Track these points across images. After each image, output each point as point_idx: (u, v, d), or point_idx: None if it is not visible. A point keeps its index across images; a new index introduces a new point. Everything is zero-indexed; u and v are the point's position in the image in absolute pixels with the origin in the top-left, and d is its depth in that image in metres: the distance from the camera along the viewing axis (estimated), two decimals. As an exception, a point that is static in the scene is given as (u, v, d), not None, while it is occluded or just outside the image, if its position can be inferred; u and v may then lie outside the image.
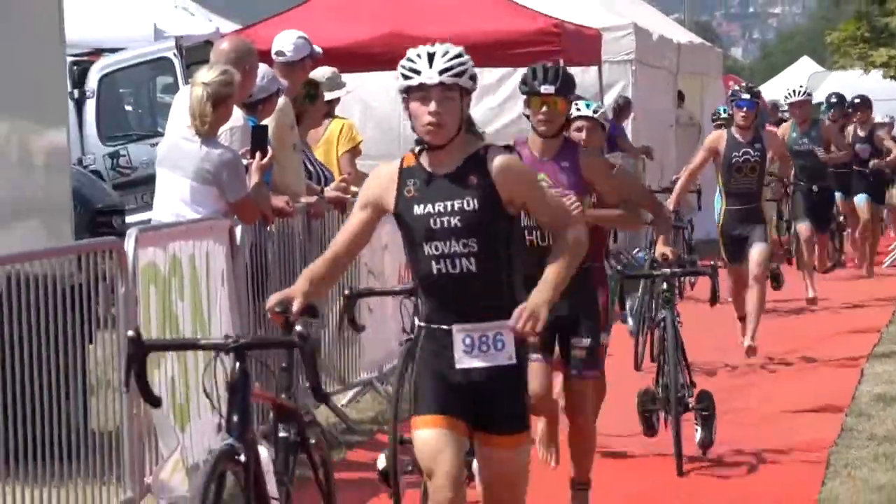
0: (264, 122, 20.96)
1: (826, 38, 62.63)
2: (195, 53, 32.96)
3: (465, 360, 10.96)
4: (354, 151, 29.72)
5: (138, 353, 11.43)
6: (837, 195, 38.89)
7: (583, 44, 37.98)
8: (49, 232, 21.59)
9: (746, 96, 22.39)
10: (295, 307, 11.06)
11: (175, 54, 39.33)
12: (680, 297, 24.58)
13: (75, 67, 34.80)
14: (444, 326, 11.08)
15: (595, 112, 15.16)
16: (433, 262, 10.13)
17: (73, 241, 22.71)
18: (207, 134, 19.61)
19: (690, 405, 16.90)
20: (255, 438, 11.77)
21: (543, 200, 11.33)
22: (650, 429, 17.38)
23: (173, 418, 17.92)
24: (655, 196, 16.43)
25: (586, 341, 12.42)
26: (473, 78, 11.48)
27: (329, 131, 28.40)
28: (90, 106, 38.32)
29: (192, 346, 14.32)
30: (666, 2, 67.91)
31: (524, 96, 12.09)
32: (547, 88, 10.79)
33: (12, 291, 14.65)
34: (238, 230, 18.60)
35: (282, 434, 12.40)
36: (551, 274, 11.00)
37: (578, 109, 14.33)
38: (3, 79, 21.49)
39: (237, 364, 11.33)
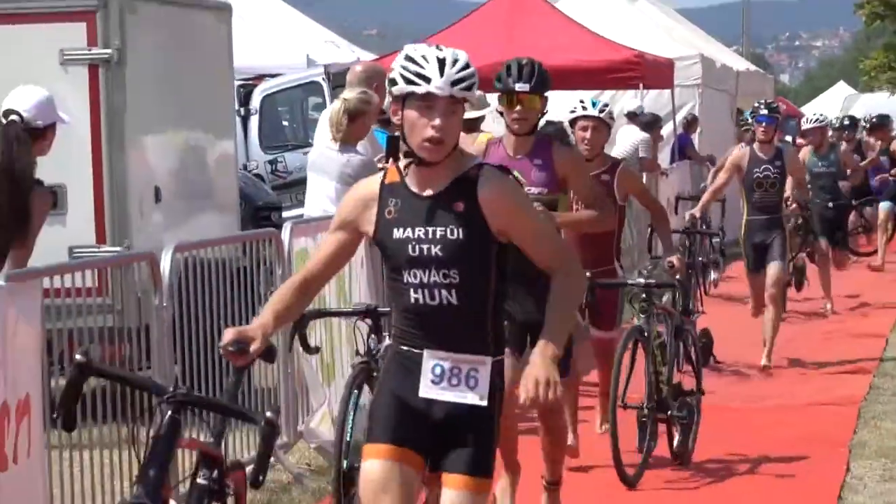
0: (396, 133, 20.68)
1: (859, 65, 62.14)
2: (339, 78, 32.90)
3: (430, 390, 9.21)
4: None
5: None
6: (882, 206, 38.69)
7: (658, 71, 37.98)
8: (220, 224, 21.64)
9: (765, 112, 21.76)
10: (253, 348, 9.38)
11: (323, 79, 39.17)
12: (705, 293, 24.30)
13: (242, 90, 34.87)
14: (415, 349, 9.32)
15: (601, 112, 14.74)
16: (411, 291, 8.61)
17: (239, 232, 22.70)
18: (343, 142, 19.58)
19: (671, 412, 15.50)
20: (169, 495, 10.37)
21: (539, 235, 9.48)
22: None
23: (321, 376, 17.93)
24: (653, 197, 15.77)
25: None
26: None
27: (478, 142, 28.31)
28: (254, 121, 38.46)
29: (130, 382, 11.86)
30: (727, 35, 67.82)
31: (497, 90, 11.17)
32: (522, 86, 10.04)
33: (189, 273, 14.69)
34: None
35: (200, 480, 10.56)
36: (553, 324, 9.27)
37: (585, 108, 14.28)
38: (184, 100, 21.59)
39: (169, 415, 10.09)
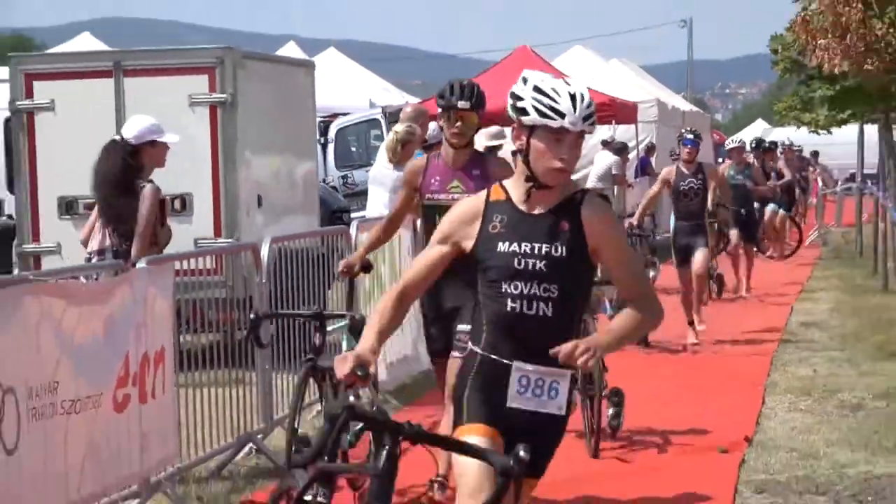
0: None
1: (773, 107, 62.22)
2: (393, 116, 32.76)
3: (516, 400, 8.07)
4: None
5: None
6: (768, 208, 38.77)
7: (625, 111, 37.74)
8: (304, 223, 21.63)
9: (690, 136, 21.55)
10: (371, 371, 8.13)
11: (381, 116, 38.58)
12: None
13: (322, 124, 34.80)
14: (504, 360, 8.08)
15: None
16: (509, 301, 7.44)
17: (319, 228, 22.46)
18: (396, 163, 18.84)
19: (604, 392, 14.59)
20: None
21: (626, 264, 8.45)
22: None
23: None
24: None
25: (467, 327, 9.57)
26: None
27: (419, 160, 28.35)
28: (330, 148, 38.43)
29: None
30: (676, 85, 67.86)
31: (439, 109, 10.02)
32: (463, 104, 9.37)
33: (282, 259, 14.67)
34: (418, 222, 17.89)
35: (319, 498, 9.45)
36: (621, 328, 8.26)
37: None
38: (279, 132, 21.60)
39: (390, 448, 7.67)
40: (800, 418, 16.03)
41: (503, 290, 7.83)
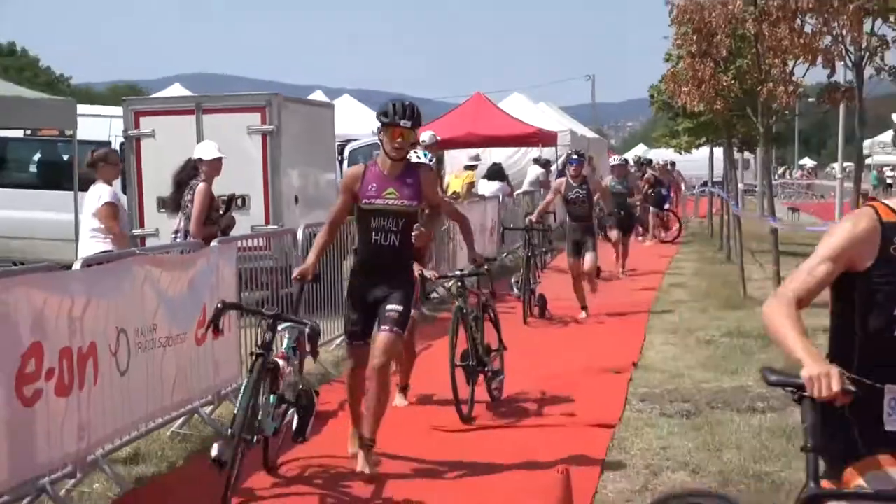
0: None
1: (651, 135, 62.31)
2: None
3: (890, 423, 6.02)
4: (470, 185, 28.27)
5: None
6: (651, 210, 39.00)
7: (549, 137, 37.37)
8: (327, 215, 21.62)
9: (576, 157, 20.49)
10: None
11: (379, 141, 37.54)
12: (542, 270, 23.42)
13: (339, 146, 34.45)
14: (878, 384, 6.03)
15: (430, 160, 12.55)
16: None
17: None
18: None
19: (487, 367, 12.84)
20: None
21: None
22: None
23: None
24: (460, 211, 12.71)
25: (399, 307, 9.33)
26: None
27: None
28: (345, 163, 38.03)
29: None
30: (584, 119, 68.06)
31: (382, 125, 9.20)
32: (405, 122, 8.67)
33: (311, 239, 14.48)
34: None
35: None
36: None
37: (419, 158, 11.69)
38: (309, 152, 21.50)
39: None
40: (670, 350, 16.12)
41: (893, 315, 5.72)
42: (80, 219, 19.69)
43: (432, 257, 14.26)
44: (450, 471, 10.01)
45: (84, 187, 18.16)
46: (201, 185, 13.59)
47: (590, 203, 19.44)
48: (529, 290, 19.89)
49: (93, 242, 12.83)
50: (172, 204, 13.91)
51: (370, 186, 8.66)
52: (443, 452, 10.57)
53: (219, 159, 14.00)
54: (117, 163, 13.59)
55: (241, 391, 9.07)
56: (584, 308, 18.96)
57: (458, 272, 13.78)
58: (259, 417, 9.16)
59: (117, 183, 13.81)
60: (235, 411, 8.90)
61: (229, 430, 8.89)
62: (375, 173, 8.69)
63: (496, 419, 12.18)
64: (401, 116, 8.36)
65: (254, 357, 9.23)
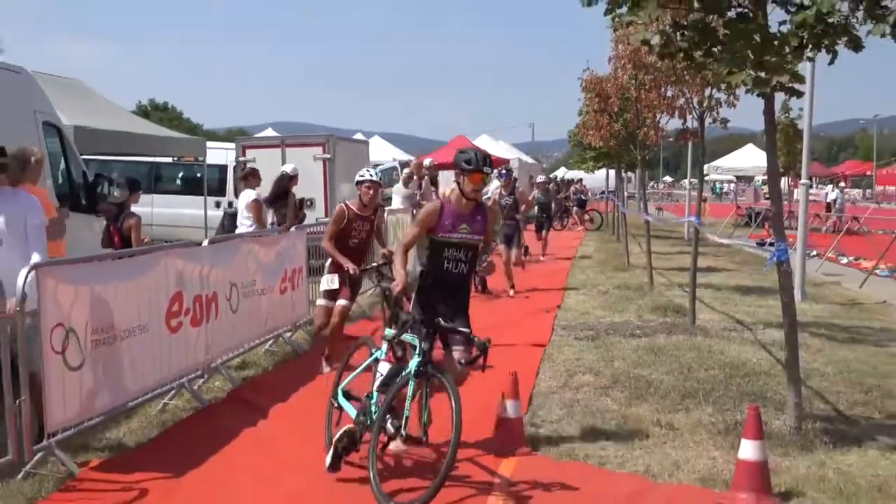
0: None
1: (570, 161, 62.02)
2: (403, 165, 31.77)
3: None
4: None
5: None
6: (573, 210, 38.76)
7: (503, 163, 36.91)
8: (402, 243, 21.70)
9: (505, 171, 18.08)
10: None
11: (398, 165, 35.82)
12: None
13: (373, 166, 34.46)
14: None
15: (379, 178, 10.49)
16: None
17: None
18: (405, 184, 18.59)
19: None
20: None
21: None
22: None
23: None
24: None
25: (467, 330, 6.97)
26: None
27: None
28: None
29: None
30: (527, 152, 67.22)
31: (463, 171, 7.16)
32: (487, 169, 7.13)
33: None
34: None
35: None
36: None
37: (371, 175, 10.20)
38: (350, 172, 21.30)
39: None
40: (580, 297, 15.87)
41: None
42: (208, 214, 19.80)
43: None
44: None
45: (210, 194, 18.20)
46: (293, 198, 13.59)
47: (517, 209, 17.54)
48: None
49: (245, 226, 12.82)
50: (270, 202, 13.80)
51: (447, 222, 7.12)
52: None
53: (297, 175, 13.99)
54: (259, 177, 13.50)
55: (391, 390, 6.61)
56: (511, 287, 16.73)
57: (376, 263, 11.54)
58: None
59: (254, 191, 13.71)
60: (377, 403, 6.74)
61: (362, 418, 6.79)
62: (451, 211, 7.17)
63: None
64: (483, 164, 7.14)
65: (416, 368, 6.57)
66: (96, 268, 7.29)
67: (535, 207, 24.15)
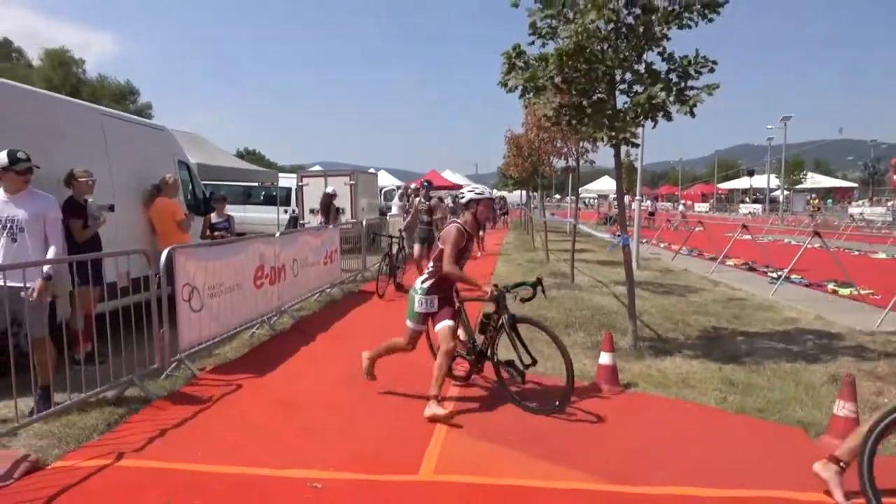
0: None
1: (498, 186, 61.90)
2: (400, 188, 31.65)
3: None
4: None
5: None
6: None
7: (459, 187, 36.66)
8: (374, 216, 21.29)
9: (426, 184, 12.99)
10: None
11: (398, 188, 33.01)
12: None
13: (381, 189, 33.56)
14: None
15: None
16: None
17: (377, 217, 21.70)
18: (401, 199, 18.06)
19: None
20: None
21: None
22: None
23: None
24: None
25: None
26: None
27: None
28: (381, 197, 36.78)
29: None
30: (474, 181, 60.62)
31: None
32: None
33: (365, 227, 14.13)
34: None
35: None
36: None
37: (489, 193, 5.98)
38: (368, 193, 21.03)
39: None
40: (505, 267, 15.49)
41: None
42: (280, 217, 19.46)
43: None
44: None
45: (281, 205, 17.86)
46: (334, 207, 13.40)
47: (430, 213, 12.25)
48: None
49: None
50: (321, 209, 13.49)
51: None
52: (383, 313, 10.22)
53: (335, 193, 13.80)
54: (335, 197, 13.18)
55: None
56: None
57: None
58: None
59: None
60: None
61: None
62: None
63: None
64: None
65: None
66: (210, 250, 7.13)
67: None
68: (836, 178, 79.67)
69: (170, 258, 6.12)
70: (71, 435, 4.72)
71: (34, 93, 6.73)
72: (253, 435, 4.84)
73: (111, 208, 7.34)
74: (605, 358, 6.18)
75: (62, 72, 47.58)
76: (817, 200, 60.31)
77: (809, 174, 72.67)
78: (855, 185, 76.96)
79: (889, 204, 48.61)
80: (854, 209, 47.33)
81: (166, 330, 6.04)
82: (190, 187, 9.77)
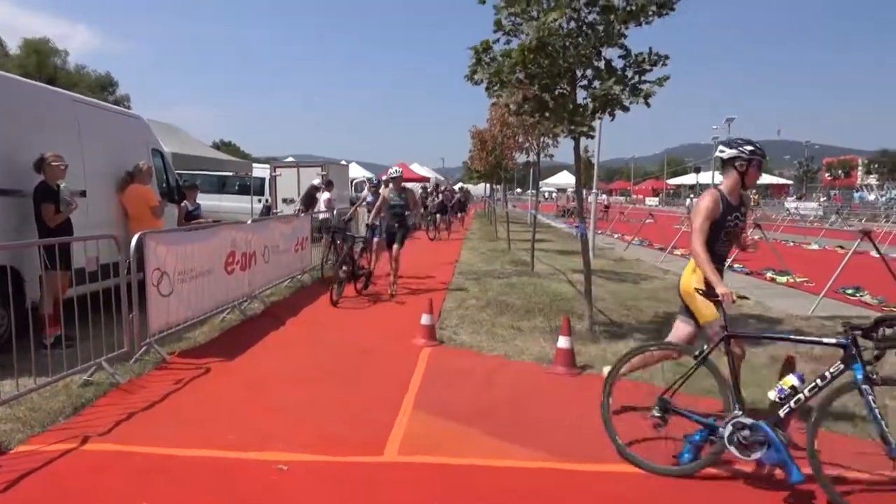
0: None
1: (464, 178, 61.17)
2: (371, 181, 30.43)
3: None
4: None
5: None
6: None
7: (426, 179, 36.51)
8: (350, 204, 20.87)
9: (395, 173, 10.62)
10: None
11: (366, 180, 33.62)
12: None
13: (351, 181, 33.09)
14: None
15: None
16: None
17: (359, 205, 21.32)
18: (377, 190, 14.44)
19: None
20: None
21: None
22: None
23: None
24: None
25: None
26: None
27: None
28: (352, 189, 36.34)
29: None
30: (442, 174, 63.00)
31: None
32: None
33: (336, 214, 13.83)
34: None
35: None
36: None
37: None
38: (339, 183, 20.60)
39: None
40: (469, 255, 15.49)
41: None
42: (253, 206, 19.01)
43: None
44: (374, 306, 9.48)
45: (254, 194, 17.40)
46: (325, 196, 13.14)
47: (404, 210, 10.53)
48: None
49: (323, 210, 12.07)
50: (303, 200, 13.16)
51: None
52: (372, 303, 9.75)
53: (320, 186, 13.60)
54: (333, 185, 12.77)
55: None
56: (393, 289, 9.68)
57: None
58: None
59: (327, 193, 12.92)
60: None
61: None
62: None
63: (402, 286, 10.73)
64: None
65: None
66: (181, 235, 6.87)
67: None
68: (774, 175, 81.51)
69: (140, 243, 5.85)
70: (36, 419, 4.47)
71: (4, 77, 6.33)
72: (220, 417, 4.67)
73: (83, 194, 7.04)
74: (563, 342, 6.13)
75: (36, 59, 45.62)
76: (756, 195, 61.72)
77: (749, 171, 73.88)
78: (790, 182, 78.87)
79: (821, 200, 50.79)
80: (789, 204, 48.68)
81: (136, 314, 5.79)
82: (164, 175, 9.44)
